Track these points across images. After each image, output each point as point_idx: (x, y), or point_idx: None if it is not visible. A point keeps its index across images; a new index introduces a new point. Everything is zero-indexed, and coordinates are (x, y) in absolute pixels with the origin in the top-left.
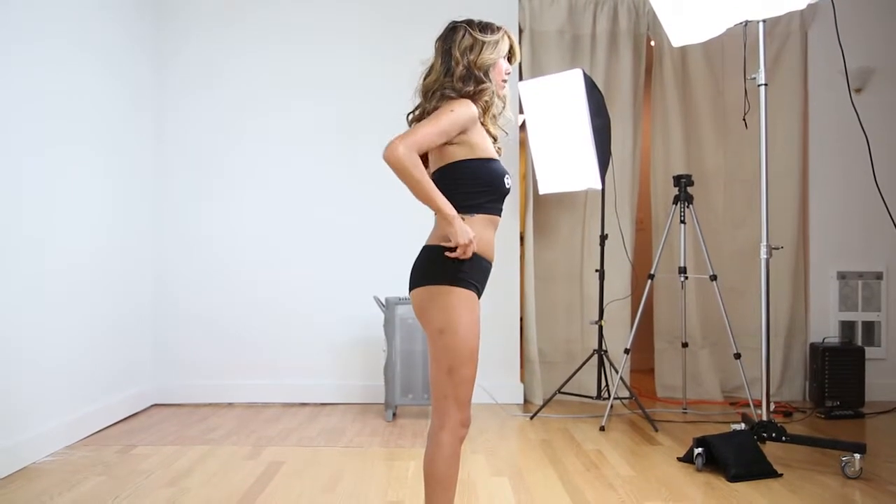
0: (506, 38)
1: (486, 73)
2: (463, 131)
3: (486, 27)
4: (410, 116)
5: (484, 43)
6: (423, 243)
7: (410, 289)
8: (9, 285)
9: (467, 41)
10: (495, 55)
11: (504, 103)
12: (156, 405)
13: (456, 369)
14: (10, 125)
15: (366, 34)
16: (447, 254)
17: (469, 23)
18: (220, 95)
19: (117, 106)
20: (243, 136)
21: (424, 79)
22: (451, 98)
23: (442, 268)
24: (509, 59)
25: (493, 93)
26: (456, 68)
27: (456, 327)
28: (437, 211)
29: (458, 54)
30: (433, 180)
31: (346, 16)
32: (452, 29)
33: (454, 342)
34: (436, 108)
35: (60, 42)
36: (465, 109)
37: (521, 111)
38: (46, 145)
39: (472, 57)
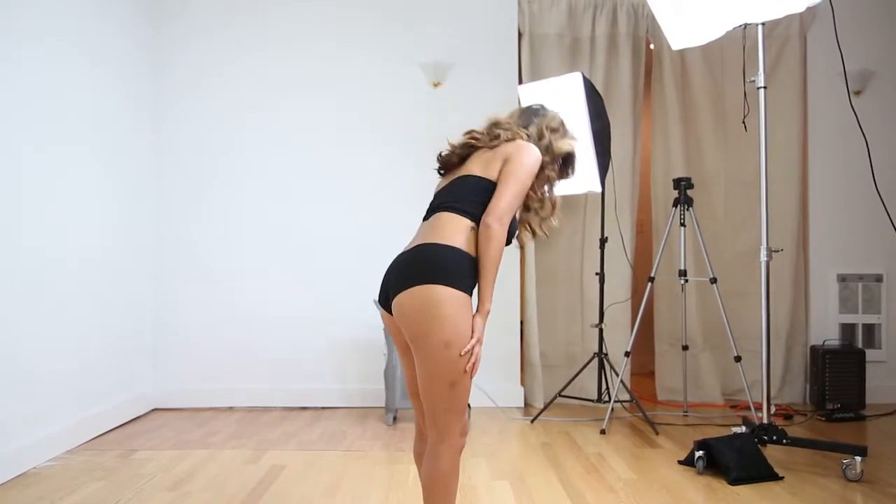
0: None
1: (553, 158)
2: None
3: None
4: (468, 138)
5: (569, 136)
6: (435, 241)
7: (418, 282)
8: (8, 289)
9: (555, 123)
10: (566, 147)
11: (553, 210)
12: (156, 409)
13: (458, 382)
14: (9, 126)
15: (366, 35)
16: (462, 352)
17: (563, 120)
18: (219, 96)
19: (116, 108)
20: (242, 138)
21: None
22: (522, 138)
23: (461, 272)
24: (565, 173)
25: (547, 179)
26: (531, 129)
27: (462, 340)
28: (484, 295)
29: (542, 125)
30: (458, 180)
31: (346, 17)
32: (544, 108)
33: (459, 355)
34: (497, 138)
35: (60, 43)
36: (536, 159)
37: None
38: (46, 146)
39: (552, 137)
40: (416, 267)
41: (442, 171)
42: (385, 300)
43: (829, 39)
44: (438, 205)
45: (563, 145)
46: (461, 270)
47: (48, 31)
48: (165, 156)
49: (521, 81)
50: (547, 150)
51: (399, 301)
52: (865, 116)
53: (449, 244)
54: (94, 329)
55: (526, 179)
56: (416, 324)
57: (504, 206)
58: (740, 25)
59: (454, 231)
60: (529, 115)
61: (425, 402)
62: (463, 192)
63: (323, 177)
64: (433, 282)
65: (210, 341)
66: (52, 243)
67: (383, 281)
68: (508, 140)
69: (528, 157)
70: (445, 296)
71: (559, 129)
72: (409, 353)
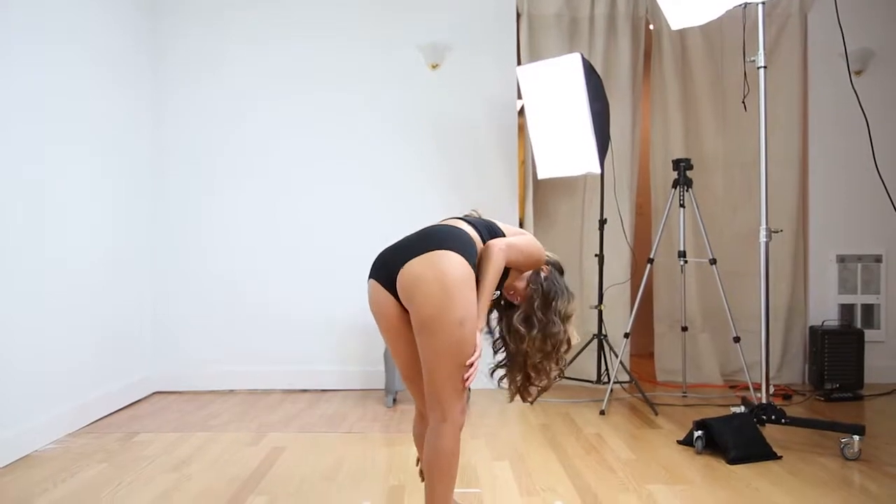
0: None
1: (552, 344)
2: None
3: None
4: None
5: (572, 329)
6: (444, 223)
7: (430, 248)
8: (10, 274)
9: (569, 312)
10: (574, 340)
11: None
12: (157, 392)
13: (463, 362)
14: (7, 124)
15: (364, 18)
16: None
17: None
18: (219, 90)
19: (114, 103)
20: (243, 130)
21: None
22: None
23: (469, 250)
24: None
25: (536, 356)
26: (543, 313)
27: (472, 319)
28: (479, 312)
29: (555, 307)
30: (480, 218)
31: (345, 8)
32: (565, 284)
33: (470, 335)
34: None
35: (57, 39)
36: (541, 254)
37: (519, 96)
38: (45, 143)
39: (566, 326)
40: (429, 237)
41: None
42: (387, 278)
43: (829, 19)
44: (450, 216)
45: (572, 335)
46: (469, 249)
47: (44, 28)
48: (165, 148)
49: (519, 62)
50: (546, 332)
51: (408, 270)
52: (866, 96)
53: (458, 227)
54: (95, 313)
55: (526, 251)
56: (430, 296)
57: (510, 241)
58: (740, 5)
59: (464, 228)
60: (548, 291)
61: (431, 382)
62: (479, 222)
63: (321, 160)
64: (445, 248)
65: (211, 325)
66: (53, 230)
67: (381, 261)
68: None
69: (539, 249)
70: (457, 261)
71: (571, 319)
72: (402, 336)
